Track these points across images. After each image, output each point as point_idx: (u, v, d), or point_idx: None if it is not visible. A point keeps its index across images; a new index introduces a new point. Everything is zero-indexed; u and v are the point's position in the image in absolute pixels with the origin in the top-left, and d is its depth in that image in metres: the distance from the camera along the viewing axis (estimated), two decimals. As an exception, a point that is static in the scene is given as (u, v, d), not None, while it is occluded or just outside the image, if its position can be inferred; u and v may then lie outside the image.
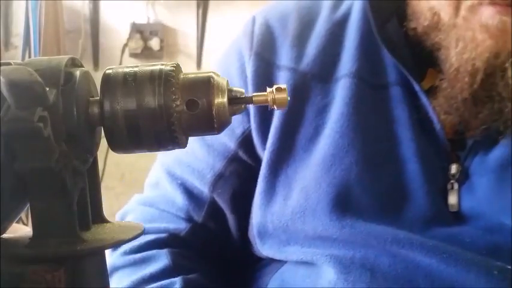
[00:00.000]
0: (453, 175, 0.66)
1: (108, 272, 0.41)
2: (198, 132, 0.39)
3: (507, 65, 0.61)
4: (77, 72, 0.36)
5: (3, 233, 0.36)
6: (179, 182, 0.76)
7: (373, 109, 0.68)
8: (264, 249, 0.71)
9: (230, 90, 0.38)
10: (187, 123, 0.37)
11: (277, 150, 0.70)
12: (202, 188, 0.75)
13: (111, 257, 0.74)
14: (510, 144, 0.65)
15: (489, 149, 0.66)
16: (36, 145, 0.33)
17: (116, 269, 0.72)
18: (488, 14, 0.61)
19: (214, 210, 0.75)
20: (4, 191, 0.33)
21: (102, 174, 2.36)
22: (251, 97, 0.38)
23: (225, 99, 0.37)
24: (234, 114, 0.38)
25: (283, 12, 0.76)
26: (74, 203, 0.35)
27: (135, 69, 0.37)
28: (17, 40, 2.51)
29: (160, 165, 0.79)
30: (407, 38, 0.69)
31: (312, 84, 0.70)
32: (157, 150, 0.38)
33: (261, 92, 0.38)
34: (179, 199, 0.75)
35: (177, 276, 0.70)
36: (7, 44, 2.54)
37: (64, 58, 0.36)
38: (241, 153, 0.74)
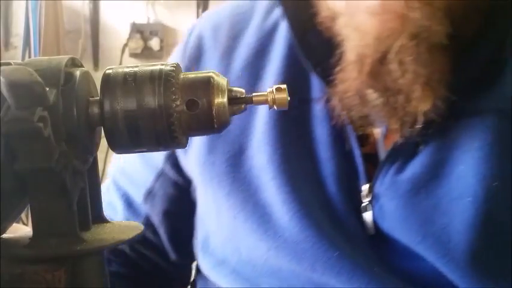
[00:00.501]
0: (366, 196, 0.62)
1: None
2: (198, 132, 0.39)
3: (392, 52, 0.56)
4: (77, 72, 0.36)
5: (3, 233, 0.36)
6: (121, 192, 0.76)
7: (295, 126, 0.65)
8: (203, 264, 0.70)
9: (230, 90, 0.38)
10: (187, 123, 0.37)
11: (203, 169, 0.68)
12: (139, 200, 0.74)
13: None
14: (424, 162, 0.60)
15: (401, 168, 0.61)
16: (36, 145, 0.33)
17: None
18: None
19: (149, 225, 0.74)
20: (4, 191, 0.33)
21: (102, 174, 2.35)
22: (251, 97, 0.38)
23: (225, 99, 0.37)
24: (234, 114, 0.38)
25: (216, 21, 0.73)
26: (74, 203, 0.35)
27: (135, 69, 0.37)
28: (17, 40, 2.51)
29: (111, 172, 0.79)
30: (331, 44, 0.63)
31: None
32: (157, 150, 0.38)
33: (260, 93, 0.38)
34: (120, 209, 0.75)
35: None
36: (7, 44, 2.54)
37: (64, 58, 0.36)
38: (167, 170, 0.73)
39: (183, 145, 0.38)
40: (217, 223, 0.68)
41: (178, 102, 0.36)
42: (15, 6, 2.53)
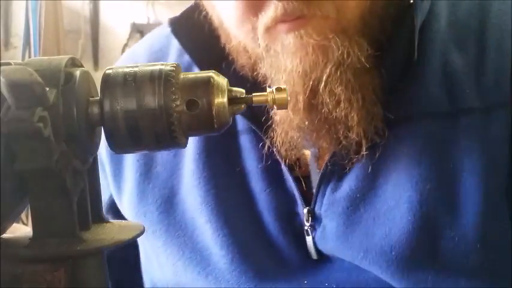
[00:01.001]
0: (307, 220, 0.61)
1: None
2: (198, 132, 0.39)
3: (321, 85, 0.55)
4: (77, 72, 0.36)
5: (3, 233, 0.36)
6: None
7: (224, 160, 0.64)
8: None
9: (230, 91, 0.38)
10: (187, 123, 0.37)
11: (136, 220, 0.66)
12: None
13: None
14: (359, 176, 0.60)
15: (337, 186, 0.61)
16: (36, 145, 0.33)
17: None
18: (284, 35, 0.55)
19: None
20: (4, 191, 0.33)
21: (102, 174, 2.35)
22: (251, 97, 0.38)
23: (225, 99, 0.37)
24: (234, 114, 0.38)
25: (133, 59, 0.73)
26: (74, 203, 0.35)
27: (135, 69, 0.37)
28: (17, 40, 2.52)
29: None
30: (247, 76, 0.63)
31: None
32: (157, 150, 0.38)
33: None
34: None
35: None
36: (7, 44, 2.54)
37: (64, 58, 0.36)
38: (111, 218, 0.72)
39: (183, 145, 0.38)
40: (160, 271, 0.67)
41: (178, 102, 0.36)
42: (15, 6, 2.53)
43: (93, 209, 0.39)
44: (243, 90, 0.38)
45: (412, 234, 0.57)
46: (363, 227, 0.59)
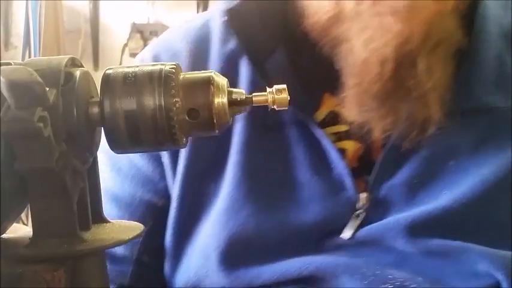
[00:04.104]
0: (362, 206, 0.62)
1: None
2: (199, 134, 0.39)
3: (419, 58, 0.55)
4: (77, 72, 0.36)
5: (3, 233, 0.36)
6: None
7: (270, 152, 0.64)
8: None
9: (230, 91, 0.38)
10: (187, 127, 0.37)
11: (180, 207, 0.66)
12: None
13: None
14: (420, 161, 0.61)
15: (397, 170, 0.61)
16: (36, 145, 0.33)
17: None
18: None
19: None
20: (4, 191, 0.33)
21: (102, 174, 2.35)
22: (251, 97, 0.38)
23: (225, 99, 0.37)
24: (234, 115, 0.38)
25: (173, 50, 0.71)
26: (74, 203, 0.35)
27: (135, 69, 0.37)
28: (17, 40, 2.52)
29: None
30: (299, 66, 0.64)
31: None
32: (157, 150, 0.38)
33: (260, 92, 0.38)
34: None
35: None
36: (7, 44, 2.54)
37: (64, 58, 0.36)
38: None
39: (183, 145, 0.38)
40: (187, 266, 0.66)
41: (178, 102, 0.36)
42: (15, 6, 2.53)
43: (93, 209, 0.39)
44: (243, 91, 0.38)
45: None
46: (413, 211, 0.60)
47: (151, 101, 0.36)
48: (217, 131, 0.38)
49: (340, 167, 0.62)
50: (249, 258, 0.62)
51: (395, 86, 0.57)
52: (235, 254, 0.62)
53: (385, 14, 0.55)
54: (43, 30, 2.41)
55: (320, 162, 0.63)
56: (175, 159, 0.66)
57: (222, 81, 0.38)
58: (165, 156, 0.67)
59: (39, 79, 0.33)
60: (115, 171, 0.69)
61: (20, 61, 0.36)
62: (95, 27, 2.60)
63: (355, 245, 0.61)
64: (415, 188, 0.61)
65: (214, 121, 0.37)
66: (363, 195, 0.61)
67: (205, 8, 2.51)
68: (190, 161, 0.65)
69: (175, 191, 0.66)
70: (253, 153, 0.64)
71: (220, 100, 0.37)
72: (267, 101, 0.38)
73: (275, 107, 0.38)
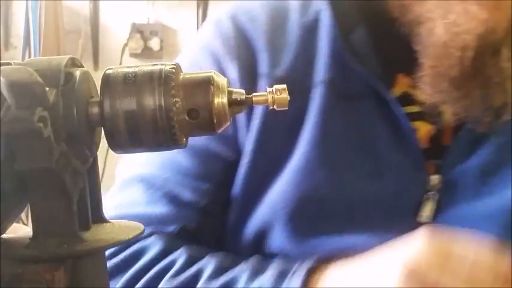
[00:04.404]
0: (433, 186, 0.63)
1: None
2: (199, 134, 0.39)
3: (504, 46, 0.56)
4: (77, 72, 0.36)
5: (3, 233, 0.36)
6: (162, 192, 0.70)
7: (346, 121, 0.65)
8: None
9: (230, 91, 0.38)
10: (187, 127, 0.37)
11: (252, 162, 0.67)
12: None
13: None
14: (494, 147, 0.62)
15: (470, 154, 0.62)
16: (36, 145, 0.33)
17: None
18: None
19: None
20: (4, 191, 0.33)
21: (102, 174, 2.36)
22: (251, 98, 0.38)
23: (225, 99, 0.37)
24: (234, 114, 0.38)
25: (252, 13, 0.71)
26: (74, 203, 0.35)
27: (135, 69, 0.37)
28: (17, 40, 2.52)
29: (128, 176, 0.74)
30: (377, 44, 0.65)
31: (291, 90, 0.67)
32: (157, 150, 0.38)
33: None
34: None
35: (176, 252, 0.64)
36: (7, 44, 2.54)
37: (64, 58, 0.36)
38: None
39: (183, 145, 0.38)
40: (250, 219, 0.67)
41: (178, 102, 0.36)
42: (15, 6, 2.53)
43: (93, 209, 0.39)
44: (243, 91, 0.38)
45: None
46: (492, 197, 0.61)
47: (151, 101, 0.36)
48: (217, 131, 0.38)
49: (415, 145, 0.63)
50: (315, 223, 0.63)
51: (474, 72, 0.57)
52: (303, 217, 0.63)
53: (470, 1, 0.56)
54: (43, 31, 2.41)
55: (396, 137, 0.64)
56: (250, 115, 0.67)
57: (222, 81, 0.38)
58: None
59: (39, 79, 0.33)
60: None
61: (20, 61, 0.36)
62: (95, 27, 2.59)
63: None
64: (488, 173, 0.62)
65: (214, 121, 0.37)
66: (435, 177, 0.63)
67: (205, 8, 2.51)
68: (267, 117, 0.66)
69: (248, 146, 0.66)
70: (331, 117, 0.65)
71: (220, 100, 0.37)
72: (267, 101, 0.38)
73: (275, 107, 0.38)
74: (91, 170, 0.38)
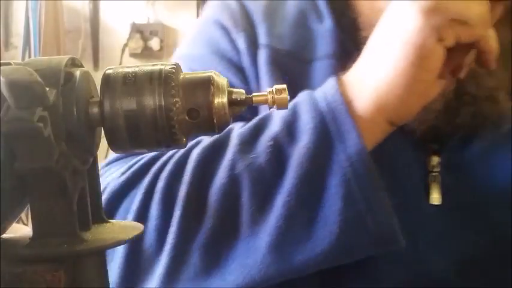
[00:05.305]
0: (433, 167, 0.64)
1: None
2: (199, 134, 0.39)
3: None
4: (77, 72, 0.36)
5: (3, 233, 0.36)
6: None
7: None
8: None
9: (230, 91, 0.38)
10: (188, 128, 0.37)
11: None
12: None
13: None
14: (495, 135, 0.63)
15: (472, 137, 0.64)
16: (36, 145, 0.33)
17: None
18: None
19: None
20: (4, 191, 0.33)
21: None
22: (251, 97, 0.38)
23: (225, 99, 0.37)
24: (234, 115, 0.38)
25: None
26: (74, 203, 0.35)
27: (135, 69, 0.37)
28: (17, 40, 2.52)
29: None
30: None
31: (288, 62, 0.69)
32: (157, 150, 0.38)
33: (260, 93, 0.39)
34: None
35: None
36: (7, 44, 2.54)
37: (64, 58, 0.36)
38: None
39: (184, 146, 0.38)
40: None
41: (178, 102, 0.36)
42: (15, 6, 2.54)
43: (93, 209, 0.39)
44: (243, 91, 0.38)
45: None
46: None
47: (151, 101, 0.36)
48: (217, 131, 0.38)
49: (412, 126, 0.63)
50: None
51: (455, 99, 0.60)
52: None
53: None
54: (43, 30, 2.41)
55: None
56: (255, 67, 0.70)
57: (222, 81, 0.38)
58: (244, 62, 0.70)
59: (39, 79, 0.33)
60: None
61: (20, 61, 0.36)
62: (95, 27, 2.60)
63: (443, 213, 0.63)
64: (489, 156, 0.63)
65: (214, 121, 0.37)
66: (435, 158, 0.64)
67: (205, 8, 2.51)
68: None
69: None
70: None
71: (220, 100, 0.37)
72: (267, 101, 0.38)
73: (275, 107, 0.38)
74: (91, 170, 0.38)
